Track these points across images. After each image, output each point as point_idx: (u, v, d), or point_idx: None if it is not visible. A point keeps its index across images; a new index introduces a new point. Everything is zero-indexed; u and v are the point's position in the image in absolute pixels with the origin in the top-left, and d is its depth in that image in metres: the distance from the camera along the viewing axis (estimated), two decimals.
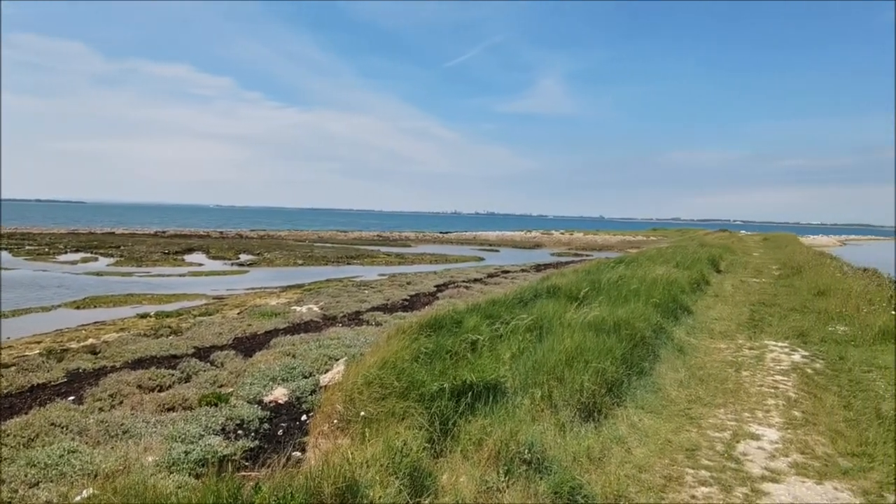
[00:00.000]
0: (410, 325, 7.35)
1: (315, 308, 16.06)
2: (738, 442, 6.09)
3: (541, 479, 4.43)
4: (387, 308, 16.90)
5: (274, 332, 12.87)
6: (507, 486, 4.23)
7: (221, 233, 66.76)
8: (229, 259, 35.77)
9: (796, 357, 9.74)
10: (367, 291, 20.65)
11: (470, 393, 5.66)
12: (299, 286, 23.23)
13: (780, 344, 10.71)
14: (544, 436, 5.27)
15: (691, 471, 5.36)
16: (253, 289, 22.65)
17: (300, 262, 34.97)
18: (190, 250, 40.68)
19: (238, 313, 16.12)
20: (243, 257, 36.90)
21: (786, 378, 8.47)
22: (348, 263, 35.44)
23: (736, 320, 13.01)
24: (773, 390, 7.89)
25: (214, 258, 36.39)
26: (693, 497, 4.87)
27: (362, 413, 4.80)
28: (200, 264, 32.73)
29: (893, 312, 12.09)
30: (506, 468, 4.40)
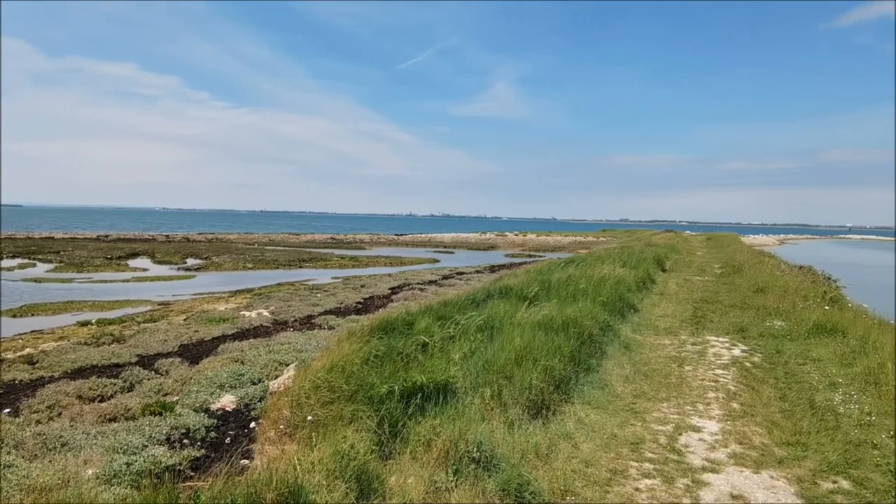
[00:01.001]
0: (362, 328, 7.33)
1: (265, 313, 15.78)
2: (680, 434, 6.30)
3: (489, 477, 4.48)
4: (340, 311, 16.75)
5: (222, 338, 12.59)
6: (456, 486, 4.26)
7: (167, 236, 64.78)
8: (175, 263, 34.76)
9: (736, 351, 10.14)
10: (319, 295, 20.41)
11: (420, 394, 5.68)
12: (249, 290, 22.78)
13: (721, 339, 11.13)
14: (493, 434, 5.34)
15: (635, 464, 5.52)
16: (200, 294, 22.07)
17: (250, 265, 34.28)
18: (134, 255, 39.34)
19: (184, 319, 15.68)
20: (190, 261, 35.90)
21: (726, 372, 8.81)
22: (300, 267, 34.93)
23: (680, 317, 13.44)
24: (713, 384, 8.20)
25: (160, 263, 35.29)
26: (637, 489, 5.02)
27: (309, 417, 4.76)
28: (145, 269, 31.71)
29: (827, 307, 12.71)
30: (454, 468, 4.44)
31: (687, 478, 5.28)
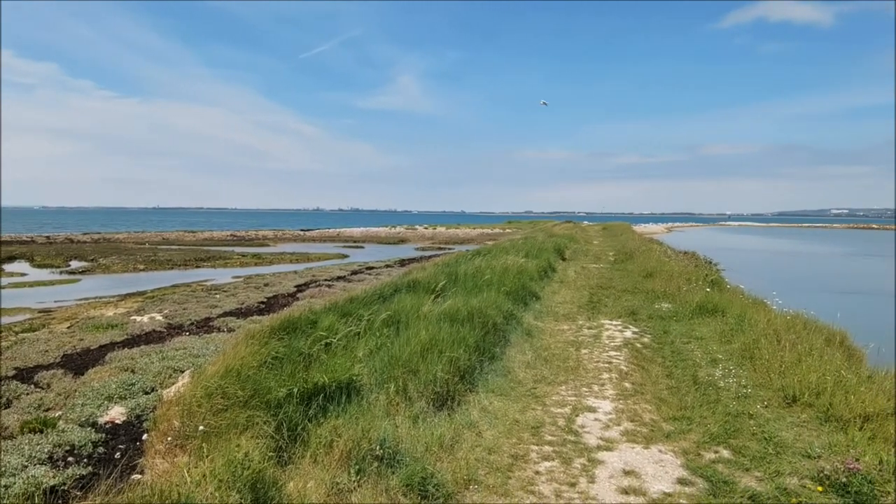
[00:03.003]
0: (261, 329, 7.08)
1: (158, 317, 14.93)
2: (577, 416, 6.59)
3: (392, 473, 4.47)
4: (241, 312, 16.13)
5: (110, 346, 11.79)
6: (358, 486, 4.22)
7: (48, 237, 59.63)
8: (58, 267, 32.12)
9: (628, 333, 10.73)
10: (218, 296, 19.56)
11: (322, 395, 5.58)
12: (141, 293, 21.44)
13: (614, 322, 11.74)
14: (398, 430, 5.34)
15: (536, 447, 5.71)
16: (86, 299, 20.52)
17: (141, 267, 32.26)
18: (10, 258, 35.91)
19: (68, 327, 14.55)
20: (74, 264, 33.29)
21: (619, 353, 9.30)
22: (198, 266, 33.28)
23: (577, 303, 14.04)
24: (607, 365, 8.63)
25: (40, 266, 32.47)
26: (537, 473, 5.19)
27: (201, 427, 4.55)
28: (23, 274, 29.05)
29: (708, 290, 13.71)
30: (357, 467, 4.39)
31: (584, 457, 5.52)
